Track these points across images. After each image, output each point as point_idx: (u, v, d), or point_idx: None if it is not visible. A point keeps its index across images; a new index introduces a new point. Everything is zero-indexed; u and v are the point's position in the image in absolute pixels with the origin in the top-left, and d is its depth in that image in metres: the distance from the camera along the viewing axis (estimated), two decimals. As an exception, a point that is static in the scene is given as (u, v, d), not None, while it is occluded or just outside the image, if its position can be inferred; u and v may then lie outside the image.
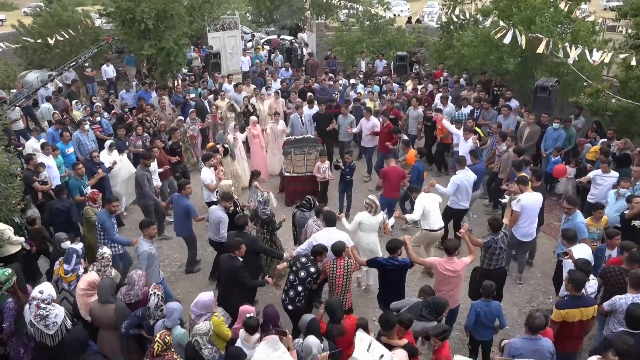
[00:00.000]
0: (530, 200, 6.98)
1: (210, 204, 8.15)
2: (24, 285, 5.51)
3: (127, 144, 10.08)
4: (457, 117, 10.85)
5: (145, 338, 5.04)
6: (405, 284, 5.90)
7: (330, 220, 6.26)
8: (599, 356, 4.26)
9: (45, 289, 4.85)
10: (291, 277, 5.70)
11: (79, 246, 5.99)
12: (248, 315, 4.75)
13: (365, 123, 10.82)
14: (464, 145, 9.41)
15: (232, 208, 7.21)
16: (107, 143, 9.55)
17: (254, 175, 8.22)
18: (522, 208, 6.92)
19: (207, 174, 8.42)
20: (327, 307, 4.99)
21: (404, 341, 4.62)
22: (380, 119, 10.57)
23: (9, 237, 6.36)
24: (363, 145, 11.26)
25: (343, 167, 9.10)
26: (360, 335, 4.48)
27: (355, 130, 11.05)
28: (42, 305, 4.76)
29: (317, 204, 7.24)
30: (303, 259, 5.71)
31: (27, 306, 4.89)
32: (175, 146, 10.09)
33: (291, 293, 5.67)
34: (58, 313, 4.82)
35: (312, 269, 5.61)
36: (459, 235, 6.11)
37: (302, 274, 5.61)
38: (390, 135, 10.10)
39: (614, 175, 7.72)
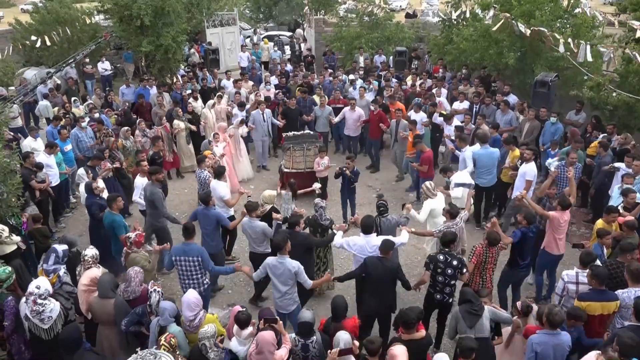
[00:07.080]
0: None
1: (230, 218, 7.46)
2: (25, 283, 5.44)
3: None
4: (417, 102, 11.04)
5: (145, 335, 5.02)
6: None
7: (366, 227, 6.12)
8: (598, 352, 4.23)
9: (41, 284, 4.86)
10: (440, 278, 5.64)
11: (60, 247, 5.80)
12: (238, 310, 4.77)
13: (350, 113, 11.03)
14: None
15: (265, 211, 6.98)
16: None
17: (291, 185, 7.84)
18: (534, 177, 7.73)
19: (222, 189, 7.42)
20: (332, 305, 4.97)
21: (422, 333, 4.71)
22: (372, 107, 10.86)
23: (7, 236, 6.34)
24: (347, 134, 11.44)
25: (350, 175, 8.51)
26: None
27: (336, 120, 11.23)
28: (39, 300, 4.78)
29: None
30: (441, 257, 5.63)
31: (22, 300, 4.90)
32: (156, 156, 9.35)
33: (447, 290, 5.71)
34: (53, 308, 4.85)
35: (455, 262, 5.61)
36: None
37: (450, 271, 5.60)
38: (381, 120, 10.61)
39: None
